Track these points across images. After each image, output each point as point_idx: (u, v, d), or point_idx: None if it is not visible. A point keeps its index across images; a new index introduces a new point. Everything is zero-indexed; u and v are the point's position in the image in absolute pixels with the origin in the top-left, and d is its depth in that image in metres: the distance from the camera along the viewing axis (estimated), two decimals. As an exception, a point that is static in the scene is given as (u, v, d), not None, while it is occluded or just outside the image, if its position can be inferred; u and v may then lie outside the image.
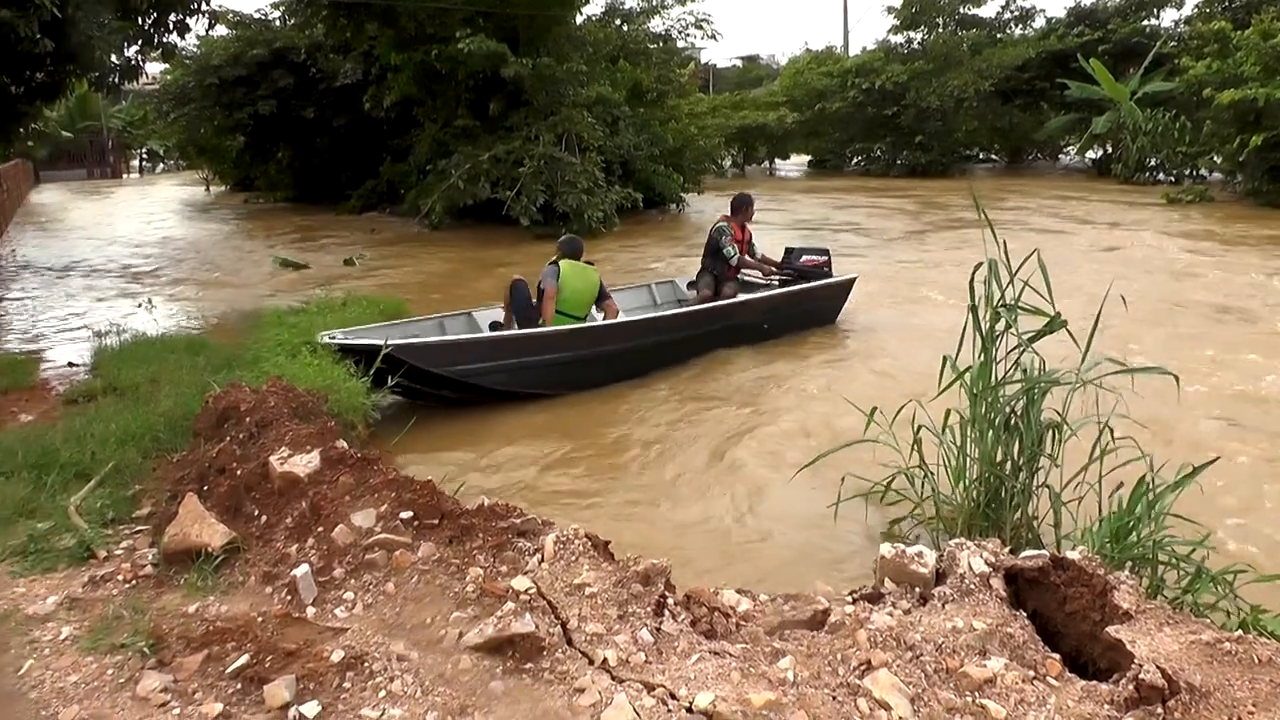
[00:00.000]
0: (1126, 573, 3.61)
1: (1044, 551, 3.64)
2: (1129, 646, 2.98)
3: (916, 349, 9.33)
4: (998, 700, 2.83)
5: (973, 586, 3.40)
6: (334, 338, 7.77)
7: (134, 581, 4.06)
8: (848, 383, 8.42)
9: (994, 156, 45.88)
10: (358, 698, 3.05)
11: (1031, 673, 2.99)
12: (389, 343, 7.31)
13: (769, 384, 8.76)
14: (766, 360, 9.52)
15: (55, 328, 11.85)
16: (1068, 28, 38.19)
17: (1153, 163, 31.87)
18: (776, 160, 47.82)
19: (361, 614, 3.52)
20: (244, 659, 3.25)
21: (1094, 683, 2.96)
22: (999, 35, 41.31)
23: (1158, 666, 2.83)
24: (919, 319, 11.28)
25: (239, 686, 3.15)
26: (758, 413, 7.93)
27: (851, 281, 11.29)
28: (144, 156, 61.56)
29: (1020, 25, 42.09)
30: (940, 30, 39.86)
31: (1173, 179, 31.02)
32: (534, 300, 8.75)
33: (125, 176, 57.06)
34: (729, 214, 10.80)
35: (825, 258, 11.17)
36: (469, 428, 7.72)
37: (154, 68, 26.00)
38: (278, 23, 27.93)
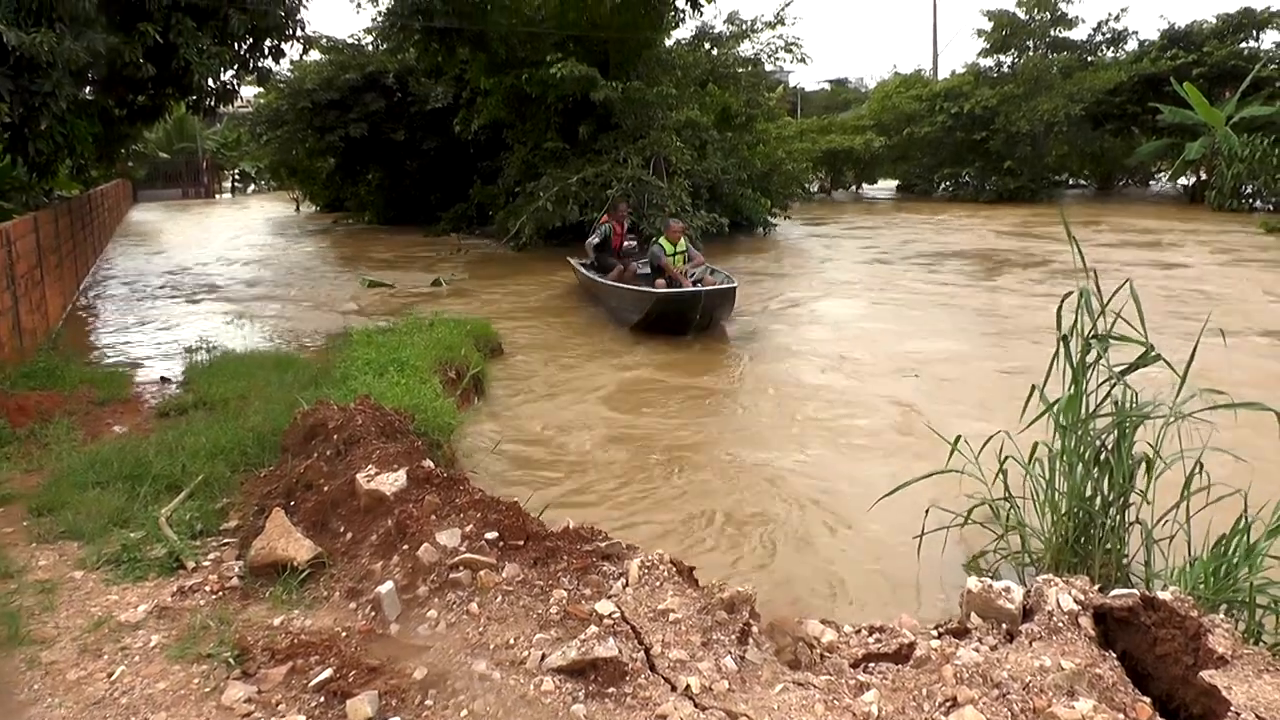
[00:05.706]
0: (1222, 616, 3.50)
1: (1134, 591, 3.55)
2: (1224, 693, 2.89)
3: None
4: (1087, 743, 2.76)
5: (1061, 625, 3.32)
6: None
7: (221, 593, 4.17)
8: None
9: (1084, 182, 45.15)
10: (440, 716, 3.09)
11: (1121, 716, 2.91)
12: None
13: (840, 403, 8.67)
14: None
15: (149, 342, 12.20)
16: (1161, 50, 37.31)
17: (1248, 190, 30.95)
18: (864, 184, 47.60)
19: (445, 633, 3.55)
20: (327, 673, 3.31)
21: (1187, 729, 2.87)
22: (1090, 58, 40.51)
23: (1256, 715, 2.74)
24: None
25: (322, 700, 3.21)
26: (839, 434, 7.87)
27: None
28: (236, 177, 63.12)
29: (1112, 48, 41.23)
30: (1030, 53, 39.31)
31: (1270, 207, 30.11)
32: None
33: (218, 196, 58.56)
34: (609, 215, 15.33)
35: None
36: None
37: (248, 91, 26.66)
38: (370, 48, 28.52)
